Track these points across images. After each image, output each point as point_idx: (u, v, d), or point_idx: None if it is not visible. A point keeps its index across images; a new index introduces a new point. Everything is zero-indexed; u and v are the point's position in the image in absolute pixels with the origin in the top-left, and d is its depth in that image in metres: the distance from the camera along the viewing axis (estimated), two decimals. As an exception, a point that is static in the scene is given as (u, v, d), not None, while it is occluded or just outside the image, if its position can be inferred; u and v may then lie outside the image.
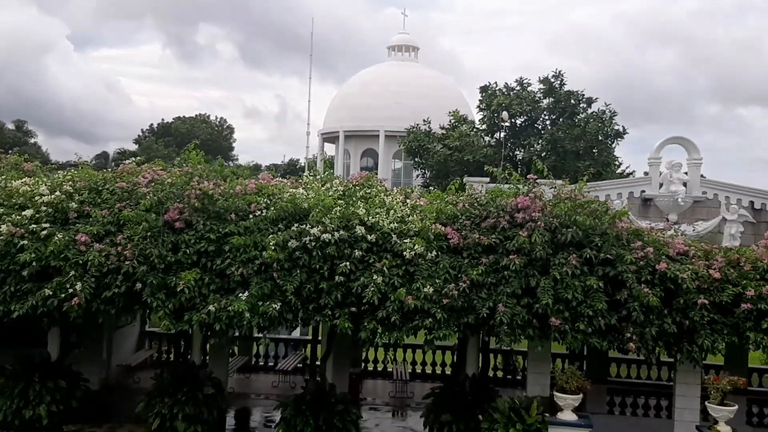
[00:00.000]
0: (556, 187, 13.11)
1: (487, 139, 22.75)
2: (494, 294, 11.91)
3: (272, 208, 12.60)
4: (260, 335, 12.29)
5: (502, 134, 23.02)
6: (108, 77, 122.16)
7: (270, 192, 13.14)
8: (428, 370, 20.43)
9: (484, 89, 24.96)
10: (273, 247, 11.72)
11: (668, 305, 12.01)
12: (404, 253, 12.10)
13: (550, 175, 13.64)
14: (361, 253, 12.14)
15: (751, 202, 16.13)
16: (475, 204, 12.95)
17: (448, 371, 19.89)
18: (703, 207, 15.98)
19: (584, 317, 11.62)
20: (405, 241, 12.28)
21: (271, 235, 12.03)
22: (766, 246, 12.90)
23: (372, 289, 11.69)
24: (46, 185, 13.08)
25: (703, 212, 15.71)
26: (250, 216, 12.53)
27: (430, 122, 26.19)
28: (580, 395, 11.55)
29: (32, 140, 75.76)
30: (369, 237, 12.30)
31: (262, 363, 20.79)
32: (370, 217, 12.57)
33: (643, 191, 16.26)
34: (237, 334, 11.92)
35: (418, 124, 25.70)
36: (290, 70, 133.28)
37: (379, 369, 20.57)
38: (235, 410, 16.13)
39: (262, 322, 11.66)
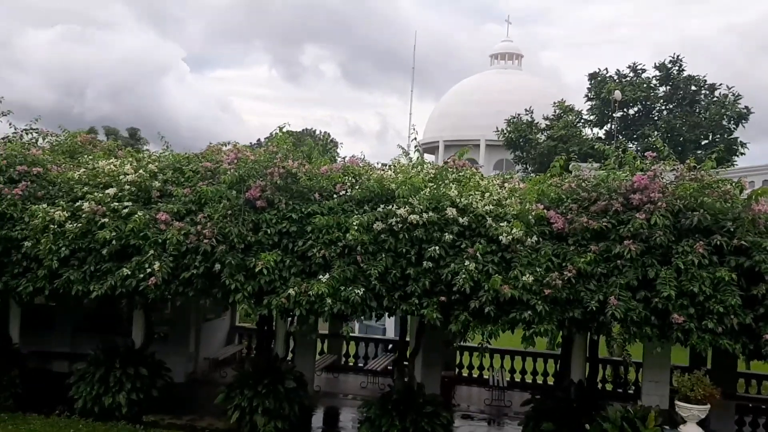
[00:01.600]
0: (677, 170, 11.57)
1: (596, 130, 21.05)
2: (605, 286, 10.57)
3: (357, 188, 11.83)
4: (346, 328, 11.38)
5: (613, 124, 21.24)
6: (221, 97, 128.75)
7: (357, 172, 12.40)
8: (528, 379, 18.96)
9: (593, 76, 23.18)
10: (357, 228, 10.92)
11: (819, 303, 10.21)
12: (500, 237, 11.00)
13: (671, 155, 12.10)
14: (452, 236, 11.15)
15: None
16: (583, 185, 11.62)
17: (550, 381, 18.38)
18: None
19: (713, 314, 10.05)
20: (501, 224, 11.18)
21: (355, 216, 11.26)
22: None
23: (463, 276, 10.66)
24: (131, 165, 12.96)
25: None
26: (335, 196, 11.83)
27: (532, 111, 24.70)
28: (708, 406, 9.97)
29: (144, 147, 79.68)
30: (461, 220, 11.30)
31: (351, 363, 20.09)
32: (462, 199, 11.56)
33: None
34: (321, 320, 11.13)
35: (519, 114, 24.27)
36: (391, 89, 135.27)
37: (475, 375, 19.32)
38: (321, 409, 15.45)
39: (344, 309, 10.87)
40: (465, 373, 19.40)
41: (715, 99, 21.91)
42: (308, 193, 11.94)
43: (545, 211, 11.37)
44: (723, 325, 10.01)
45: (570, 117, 22.46)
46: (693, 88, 22.01)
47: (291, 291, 10.88)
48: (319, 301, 10.84)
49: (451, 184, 12.03)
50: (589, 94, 23.21)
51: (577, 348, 12.83)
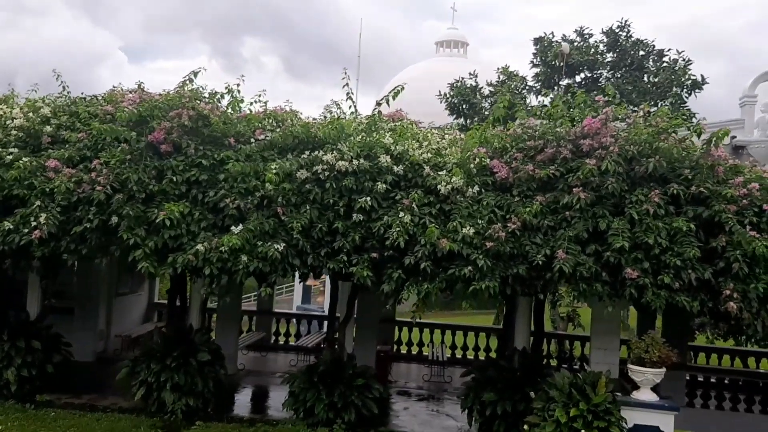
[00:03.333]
0: (629, 117, 10.67)
1: (541, 99, 20.24)
2: (552, 239, 9.61)
3: (279, 131, 10.55)
4: (265, 290, 10.06)
5: (559, 90, 20.45)
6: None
7: (281, 118, 11.10)
8: (470, 355, 18.07)
9: (538, 41, 22.29)
10: (275, 172, 9.66)
11: (778, 258, 9.49)
12: (439, 187, 9.93)
13: (623, 103, 11.22)
14: (385, 186, 10.03)
15: None
16: (529, 132, 10.63)
17: (493, 357, 17.53)
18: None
19: (669, 269, 9.20)
20: (440, 173, 10.11)
21: (275, 162, 9.99)
22: None
23: (397, 229, 9.55)
24: (20, 109, 11.33)
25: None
26: (253, 141, 10.51)
27: (477, 75, 23.70)
28: (663, 369, 9.13)
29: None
30: (396, 168, 10.18)
31: (282, 342, 18.82)
32: (397, 146, 10.43)
33: (734, 137, 13.66)
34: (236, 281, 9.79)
35: (463, 78, 23.28)
36: (332, 82, 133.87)
37: (414, 352, 18.32)
38: (244, 388, 14.14)
39: (261, 267, 9.59)
40: (404, 350, 18.38)
41: (664, 65, 21.41)
42: (222, 139, 10.60)
43: (488, 159, 10.34)
44: (680, 281, 9.17)
45: (514, 83, 21.63)
46: (641, 53, 21.46)
47: (199, 246, 9.53)
48: (233, 258, 9.53)
49: (385, 132, 10.89)
50: (534, 60, 22.40)
51: (521, 317, 11.89)
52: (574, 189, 9.58)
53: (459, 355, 18.07)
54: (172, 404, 10.99)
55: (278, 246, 9.55)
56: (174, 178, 10.08)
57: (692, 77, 20.48)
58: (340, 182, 10.06)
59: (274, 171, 9.72)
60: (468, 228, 9.43)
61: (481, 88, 22.76)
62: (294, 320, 19.57)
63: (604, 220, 9.49)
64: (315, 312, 22.21)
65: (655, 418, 8.98)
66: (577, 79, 21.66)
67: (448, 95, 23.36)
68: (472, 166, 10.21)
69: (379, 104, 10.80)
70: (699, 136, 10.00)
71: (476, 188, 9.99)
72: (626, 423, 8.93)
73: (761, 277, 9.22)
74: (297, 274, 10.25)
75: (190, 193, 10.16)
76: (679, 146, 9.88)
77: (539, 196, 9.83)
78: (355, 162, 10.05)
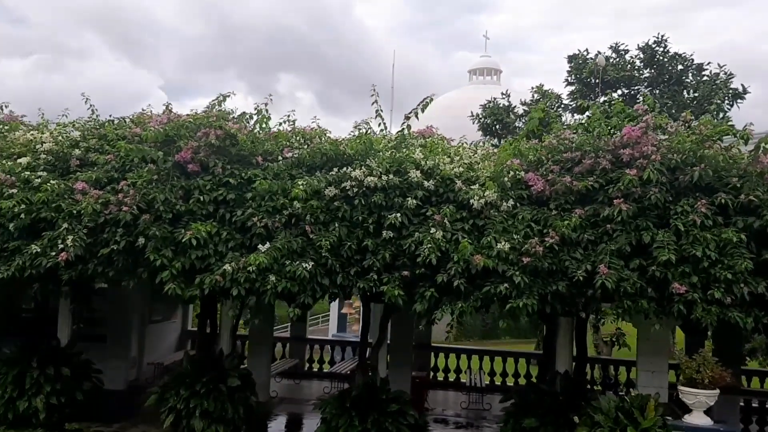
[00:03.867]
0: (671, 127, 10.21)
1: (577, 117, 19.80)
2: (593, 254, 9.16)
3: (307, 149, 10.37)
4: (293, 311, 9.73)
5: (598, 102, 19.95)
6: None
7: (309, 136, 10.92)
8: (510, 381, 17.47)
9: (572, 58, 21.87)
10: (303, 189, 9.45)
11: (839, 269, 8.89)
12: (471, 201, 9.59)
13: (664, 113, 10.78)
14: (415, 202, 9.73)
15: None
16: (566, 143, 10.24)
17: (534, 382, 16.89)
18: None
19: (720, 282, 8.66)
20: (472, 187, 9.78)
21: (303, 179, 9.79)
22: None
23: (429, 245, 9.21)
24: (50, 133, 11.39)
25: None
26: (280, 159, 10.33)
27: (509, 95, 23.36)
28: (716, 391, 8.54)
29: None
30: (426, 183, 9.88)
31: (316, 369, 18.48)
32: (428, 161, 10.14)
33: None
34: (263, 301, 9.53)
35: (495, 98, 22.97)
36: (366, 114, 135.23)
37: (451, 379, 17.79)
38: (277, 415, 13.82)
39: (290, 287, 9.31)
40: (441, 377, 17.87)
41: (705, 78, 20.79)
42: (250, 158, 10.45)
43: (523, 173, 9.98)
44: (732, 295, 8.61)
45: (549, 101, 21.21)
46: (680, 67, 20.87)
47: (227, 267, 9.32)
48: (261, 278, 9.30)
49: (415, 148, 10.62)
50: (569, 78, 21.97)
51: (562, 339, 11.39)
52: (614, 200, 9.14)
53: (498, 381, 17.48)
54: (202, 430, 10.70)
55: (306, 265, 9.29)
56: (201, 198, 9.93)
57: (733, 90, 19.82)
58: (369, 199, 9.79)
59: (302, 187, 9.50)
60: (503, 243, 9.05)
61: (515, 107, 22.43)
62: (328, 347, 19.25)
63: (647, 232, 9.02)
64: (349, 338, 21.85)
65: (712, 443, 8.39)
66: (615, 96, 21.17)
67: (480, 116, 23.08)
68: (506, 179, 9.86)
69: (408, 118, 10.53)
70: (746, 143, 9.49)
71: (511, 202, 9.62)
72: (679, 449, 8.36)
73: (819, 291, 8.62)
74: (329, 298, 9.89)
75: (217, 213, 9.99)
76: (726, 154, 9.37)
77: (578, 209, 9.41)
78: (384, 177, 9.78)
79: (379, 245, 9.65)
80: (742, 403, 13.86)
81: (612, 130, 10.16)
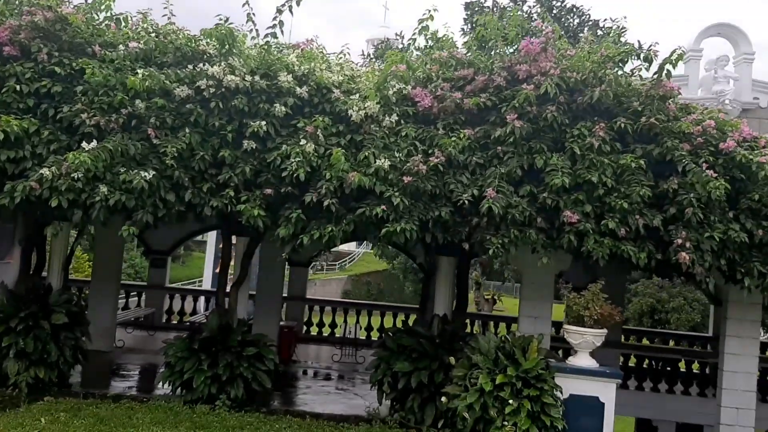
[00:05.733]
0: (570, 51, 9.43)
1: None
2: (481, 178, 8.27)
3: (157, 39, 8.78)
4: (127, 229, 8.14)
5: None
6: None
7: (163, 31, 9.28)
8: (387, 337, 16.57)
9: (468, 6, 21.08)
10: (142, 79, 7.90)
11: (733, 206, 8.46)
12: (350, 113, 8.43)
13: (563, 37, 9.98)
14: (285, 110, 8.45)
15: (819, 113, 12.81)
16: (457, 58, 9.23)
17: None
18: (754, 117, 12.53)
19: (615, 212, 8.00)
20: (352, 97, 8.60)
21: (143, 70, 8.21)
22: None
23: (297, 159, 7.98)
24: None
25: (753, 124, 12.16)
26: (122, 49, 8.66)
27: (403, 36, 22.28)
28: (604, 330, 7.90)
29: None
30: (298, 90, 8.59)
31: (175, 321, 16.82)
32: (302, 66, 8.84)
33: (679, 94, 12.66)
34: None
35: (388, 38, 21.83)
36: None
37: (326, 334, 16.68)
38: (118, 364, 12.20)
39: (125, 200, 7.79)
40: (315, 331, 16.73)
41: (600, 34, 20.64)
42: (85, 46, 8.72)
43: (410, 88, 8.91)
44: (626, 227, 7.98)
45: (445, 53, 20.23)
46: (576, 21, 20.63)
47: (45, 171, 7.66)
48: (89, 189, 7.73)
49: (289, 52, 9.27)
50: (465, 27, 21.21)
51: (442, 280, 10.48)
52: (507, 118, 8.26)
53: (376, 337, 16.56)
54: (16, 374, 9.02)
55: (146, 174, 7.78)
56: (18, 88, 8.15)
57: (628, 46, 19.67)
58: (229, 102, 8.42)
59: (141, 77, 7.94)
60: (383, 160, 7.95)
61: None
62: (190, 297, 17.61)
63: (541, 156, 8.22)
64: (206, 288, 20.29)
65: (595, 387, 7.74)
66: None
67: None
68: (390, 93, 8.74)
69: (280, 11, 9.05)
70: (649, 65, 8.86)
71: (394, 117, 8.54)
72: (561, 392, 7.65)
73: (716, 226, 8.15)
74: (173, 219, 8.36)
75: (39, 108, 8.25)
76: (627, 75, 8.70)
77: (468, 130, 8.47)
78: (248, 79, 8.41)
79: (239, 158, 8.34)
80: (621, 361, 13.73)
81: (508, 47, 9.27)
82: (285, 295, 16.01)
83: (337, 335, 16.26)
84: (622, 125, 8.29)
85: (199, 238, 29.85)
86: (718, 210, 8.21)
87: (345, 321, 16.57)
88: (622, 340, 14.57)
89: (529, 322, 10.04)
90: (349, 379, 12.40)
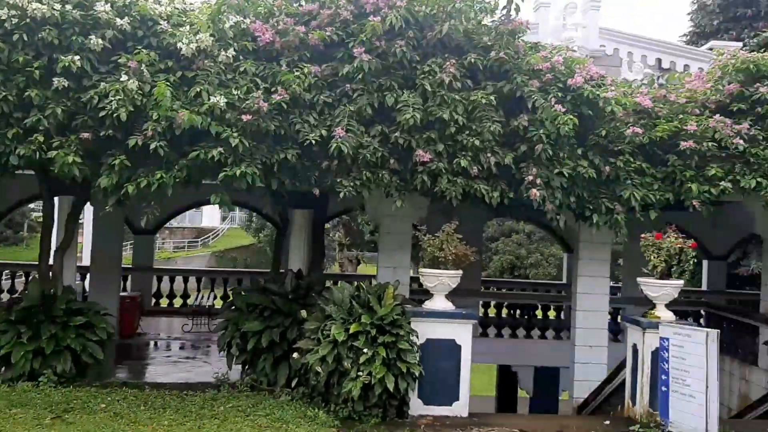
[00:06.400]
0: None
1: None
2: (330, 118, 7.79)
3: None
4: None
5: None
6: None
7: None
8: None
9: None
10: None
11: (582, 143, 8.55)
12: (180, 46, 7.63)
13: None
14: (102, 43, 7.50)
15: (658, 60, 13.41)
16: (301, -10, 8.63)
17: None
18: (601, 65, 12.89)
19: (467, 150, 7.82)
20: (182, 29, 7.79)
21: None
22: (699, 76, 9.88)
23: (117, 98, 7.11)
24: None
25: (600, 71, 12.55)
26: None
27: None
28: (459, 272, 7.72)
29: None
30: (119, 21, 7.66)
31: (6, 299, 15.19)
32: (123, -5, 7.89)
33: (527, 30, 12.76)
34: None
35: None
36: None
37: (177, 305, 15.74)
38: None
39: None
40: (165, 303, 15.73)
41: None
42: None
43: (248, 21, 8.20)
44: (479, 165, 7.83)
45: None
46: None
47: None
48: None
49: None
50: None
51: (296, 234, 9.98)
52: (355, 52, 7.80)
53: (232, 304, 15.83)
54: None
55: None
56: None
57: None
58: (36, 35, 7.35)
59: None
60: (218, 97, 7.26)
61: None
62: (21, 272, 15.95)
63: (392, 93, 7.86)
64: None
65: (451, 329, 7.56)
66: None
67: None
68: (226, 26, 8.00)
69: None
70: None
71: (231, 52, 7.83)
72: (418, 337, 7.41)
73: (565, 162, 8.19)
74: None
75: None
76: (477, 11, 8.48)
77: (314, 67, 7.93)
78: (57, 7, 7.38)
79: (49, 98, 7.34)
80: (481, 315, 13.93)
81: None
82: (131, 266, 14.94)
83: (190, 306, 15.39)
84: (473, 60, 8.09)
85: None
86: (567, 146, 8.26)
87: (198, 290, 15.72)
88: (483, 290, 14.82)
89: (387, 272, 9.79)
90: (200, 347, 11.69)
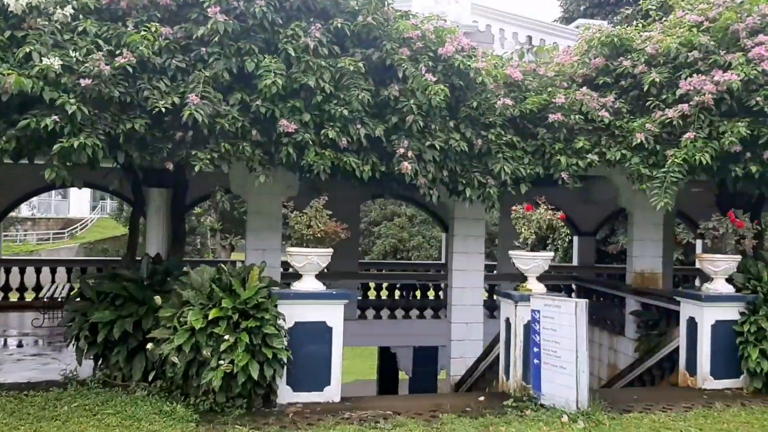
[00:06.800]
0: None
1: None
2: (183, 84, 7.14)
3: None
4: None
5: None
6: None
7: None
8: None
9: None
10: None
11: (454, 115, 8.38)
12: (6, 2, 6.72)
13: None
14: None
15: (529, 37, 13.54)
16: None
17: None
18: (474, 40, 12.69)
19: (335, 121, 7.43)
20: (4, -19, 6.88)
21: None
22: (568, 51, 10.00)
23: (-70, 58, 6.13)
24: None
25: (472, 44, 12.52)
26: None
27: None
28: (330, 250, 7.33)
29: None
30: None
31: None
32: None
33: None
34: None
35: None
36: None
37: (29, 299, 14.43)
38: None
39: None
40: (15, 297, 14.39)
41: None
42: None
43: (90, -24, 7.38)
44: (347, 137, 7.47)
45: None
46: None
47: None
48: None
49: None
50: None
51: (153, 215, 9.22)
52: (210, 12, 7.18)
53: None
54: None
55: None
56: None
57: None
58: None
59: None
60: (52, 59, 6.45)
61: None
62: None
63: (252, 58, 7.31)
64: None
65: (321, 311, 7.17)
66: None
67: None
68: (61, -19, 7.15)
69: None
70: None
71: (69, 10, 6.99)
72: (285, 321, 6.96)
73: (437, 135, 7.98)
74: None
75: None
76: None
77: (165, 29, 7.24)
78: None
79: None
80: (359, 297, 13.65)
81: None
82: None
83: (42, 299, 14.14)
84: (339, 25, 7.68)
85: None
86: (438, 118, 8.06)
87: (53, 281, 14.48)
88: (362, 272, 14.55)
89: (256, 255, 9.30)
90: (50, 343, 10.67)
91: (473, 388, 9.65)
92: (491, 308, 13.43)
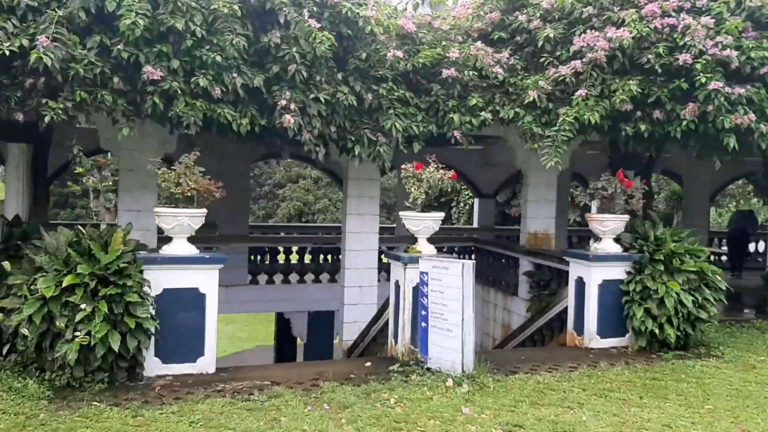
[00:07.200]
0: None
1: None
2: (34, 25, 6.36)
3: None
4: None
5: None
6: None
7: None
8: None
9: None
10: None
11: (342, 67, 7.93)
12: None
13: None
14: None
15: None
16: None
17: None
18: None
19: (207, 68, 6.83)
20: None
21: None
22: (464, 4, 9.69)
23: None
24: None
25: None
26: None
27: None
28: (203, 210, 6.80)
29: None
30: None
31: None
32: None
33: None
34: None
35: None
36: None
37: None
38: None
39: None
40: None
41: None
42: None
43: None
44: (222, 86, 6.90)
45: None
46: None
47: None
48: None
49: None
50: None
51: (12, 170, 8.38)
52: (63, -57, 6.42)
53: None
54: None
55: None
56: None
57: None
58: None
59: None
60: None
61: None
62: None
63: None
64: None
65: (193, 276, 6.65)
66: None
67: None
68: None
69: None
70: None
71: None
72: (151, 287, 6.42)
73: (323, 87, 7.52)
74: None
75: None
76: None
77: (9, -40, 6.41)
78: None
79: None
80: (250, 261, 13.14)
81: None
82: None
83: None
84: (214, -35, 7.05)
85: None
86: (325, 69, 7.59)
87: None
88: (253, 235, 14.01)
89: (129, 216, 8.61)
90: None
91: (365, 353, 9.41)
92: (388, 271, 13.21)
